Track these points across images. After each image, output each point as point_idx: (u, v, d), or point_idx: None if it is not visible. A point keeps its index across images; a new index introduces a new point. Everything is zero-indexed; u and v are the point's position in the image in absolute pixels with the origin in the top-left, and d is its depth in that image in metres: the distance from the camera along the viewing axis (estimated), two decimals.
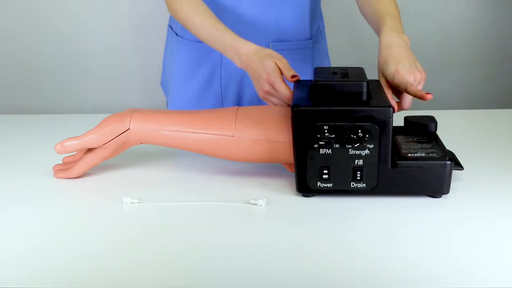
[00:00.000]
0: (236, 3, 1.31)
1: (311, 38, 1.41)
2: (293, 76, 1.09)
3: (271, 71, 1.09)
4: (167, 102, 1.54)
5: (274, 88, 1.10)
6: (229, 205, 0.99)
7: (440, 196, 1.00)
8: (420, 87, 1.08)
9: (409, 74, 1.06)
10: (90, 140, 1.07)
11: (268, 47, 1.35)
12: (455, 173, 1.06)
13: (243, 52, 1.14)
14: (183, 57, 1.42)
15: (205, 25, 1.21)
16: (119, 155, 1.15)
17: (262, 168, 1.13)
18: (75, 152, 1.13)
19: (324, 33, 1.50)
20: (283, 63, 1.11)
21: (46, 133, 1.34)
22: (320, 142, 0.96)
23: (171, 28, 1.48)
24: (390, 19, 1.16)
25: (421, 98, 1.02)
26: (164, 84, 1.56)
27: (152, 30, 2.00)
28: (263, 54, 1.12)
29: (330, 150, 0.96)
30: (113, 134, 1.07)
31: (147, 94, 2.08)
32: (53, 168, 1.13)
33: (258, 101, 1.39)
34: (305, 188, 0.99)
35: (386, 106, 0.95)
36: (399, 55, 1.09)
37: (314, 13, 1.41)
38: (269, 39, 1.35)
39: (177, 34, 1.43)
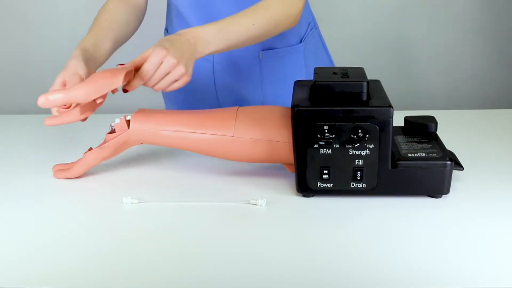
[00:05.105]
0: (225, 11, 1.29)
1: (301, 42, 1.40)
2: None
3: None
4: (166, 102, 1.54)
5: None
6: (229, 205, 0.99)
7: (440, 196, 1.00)
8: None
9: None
10: (77, 95, 0.99)
11: (258, 56, 1.34)
12: (455, 173, 1.05)
13: None
14: None
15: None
16: (119, 155, 1.15)
17: (262, 168, 1.13)
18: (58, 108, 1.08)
19: (316, 25, 1.47)
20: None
21: (46, 133, 1.34)
22: (320, 142, 0.96)
23: (167, 31, 1.47)
24: None
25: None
26: None
27: (152, 31, 1.99)
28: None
29: (330, 150, 0.96)
30: (102, 91, 1.00)
31: (147, 94, 2.07)
32: (53, 168, 1.13)
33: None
34: (305, 188, 0.99)
35: (386, 106, 0.95)
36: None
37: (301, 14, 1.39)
38: (258, 47, 1.34)
39: None
